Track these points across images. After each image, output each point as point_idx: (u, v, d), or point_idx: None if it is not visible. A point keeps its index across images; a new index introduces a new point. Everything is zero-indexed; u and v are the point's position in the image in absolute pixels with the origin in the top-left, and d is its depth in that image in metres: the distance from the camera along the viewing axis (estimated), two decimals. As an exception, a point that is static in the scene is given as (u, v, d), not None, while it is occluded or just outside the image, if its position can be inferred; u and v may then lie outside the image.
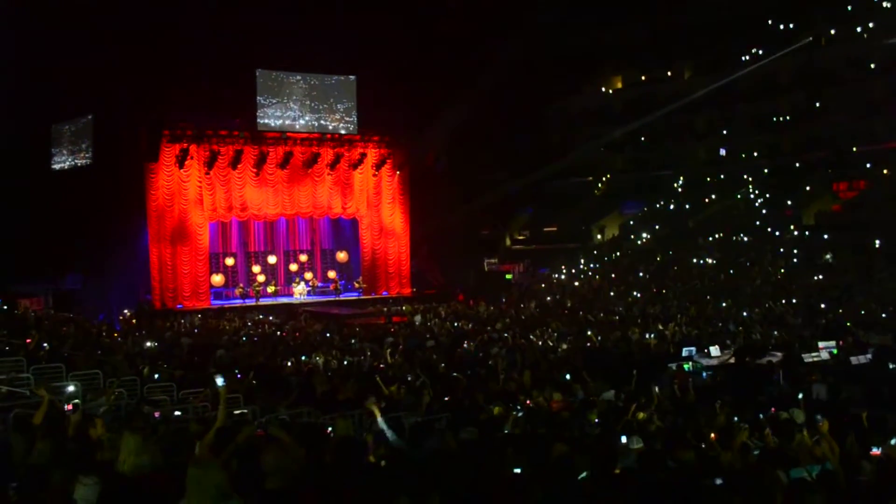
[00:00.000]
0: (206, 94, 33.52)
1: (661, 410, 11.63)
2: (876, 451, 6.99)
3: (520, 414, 10.69)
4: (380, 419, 8.36)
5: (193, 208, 34.59)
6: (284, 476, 4.37)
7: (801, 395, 11.91)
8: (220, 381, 6.15)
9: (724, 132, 48.88)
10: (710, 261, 38.76)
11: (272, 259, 38.99)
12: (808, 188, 42.92)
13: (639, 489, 5.90)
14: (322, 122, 36.57)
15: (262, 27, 34.19)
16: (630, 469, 6.56)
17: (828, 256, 35.10)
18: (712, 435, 8.83)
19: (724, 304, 30.16)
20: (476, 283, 43.11)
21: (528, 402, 12.17)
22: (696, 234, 42.75)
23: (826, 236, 37.01)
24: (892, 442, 8.28)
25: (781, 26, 46.50)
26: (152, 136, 33.26)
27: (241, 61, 34.36)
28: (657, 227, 45.90)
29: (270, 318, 30.98)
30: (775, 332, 22.50)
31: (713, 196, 46.42)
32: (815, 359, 17.48)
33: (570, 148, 49.90)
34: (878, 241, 34.31)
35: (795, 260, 35.86)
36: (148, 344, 21.13)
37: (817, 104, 45.03)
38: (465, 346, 21.43)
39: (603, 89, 54.60)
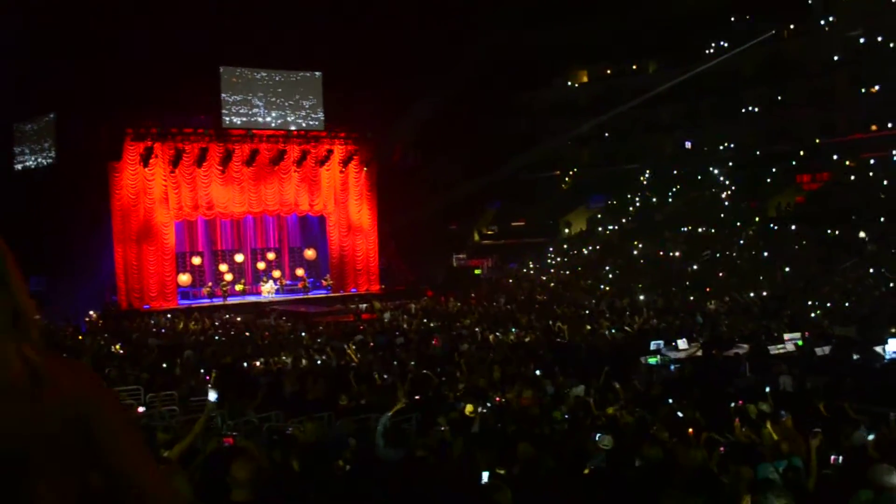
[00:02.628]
0: (170, 91, 33.05)
1: (628, 405, 11.73)
2: (834, 457, 7.08)
3: (485, 411, 10.72)
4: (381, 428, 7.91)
5: (159, 207, 34.09)
6: (252, 488, 4.31)
7: (768, 388, 12.05)
8: (212, 396, 5.86)
9: (689, 125, 49.29)
10: (676, 253, 39.06)
11: (239, 258, 38.61)
12: (769, 180, 43.40)
13: (607, 488, 5.92)
14: (288, 118, 36.29)
15: (225, 23, 33.87)
16: (599, 468, 6.59)
17: (794, 247, 35.48)
18: (689, 430, 8.88)
19: (691, 297, 30.40)
20: (445, 279, 43.01)
21: (497, 398, 12.21)
22: (662, 227, 43.06)
23: (791, 228, 37.42)
24: (856, 435, 8.41)
25: (745, 19, 46.97)
26: (115, 134, 32.68)
27: (204, 58, 33.97)
28: (624, 220, 46.18)
29: (238, 318, 30.70)
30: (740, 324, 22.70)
31: (679, 188, 46.82)
32: (781, 350, 17.67)
33: (537, 142, 50.03)
34: (840, 233, 34.76)
35: (761, 252, 36.21)
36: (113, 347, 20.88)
37: (780, 97, 45.53)
38: (434, 343, 21.36)
39: (569, 83, 54.82)
